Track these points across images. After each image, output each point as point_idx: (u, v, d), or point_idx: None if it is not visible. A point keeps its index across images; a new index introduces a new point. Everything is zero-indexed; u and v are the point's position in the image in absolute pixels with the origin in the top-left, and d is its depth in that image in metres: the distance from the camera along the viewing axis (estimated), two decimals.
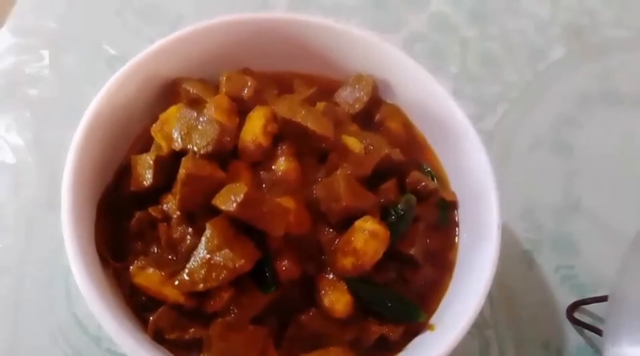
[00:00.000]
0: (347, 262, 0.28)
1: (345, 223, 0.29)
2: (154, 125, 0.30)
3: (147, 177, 0.28)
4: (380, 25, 0.50)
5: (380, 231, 0.28)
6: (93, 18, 0.46)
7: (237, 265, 0.25)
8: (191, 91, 0.33)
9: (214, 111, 0.29)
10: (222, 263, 0.25)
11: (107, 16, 0.46)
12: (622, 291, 0.27)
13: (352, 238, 0.28)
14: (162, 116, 0.30)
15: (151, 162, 0.28)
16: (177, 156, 0.28)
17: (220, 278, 0.25)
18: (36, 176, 0.40)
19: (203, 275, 0.26)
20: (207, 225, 0.26)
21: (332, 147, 0.31)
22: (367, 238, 0.28)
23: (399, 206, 0.30)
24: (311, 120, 0.30)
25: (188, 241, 0.27)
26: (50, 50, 0.44)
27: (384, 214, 0.30)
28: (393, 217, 0.30)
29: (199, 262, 0.26)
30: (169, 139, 0.29)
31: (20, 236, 0.37)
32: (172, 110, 0.30)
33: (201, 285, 0.26)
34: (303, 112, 0.30)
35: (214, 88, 0.33)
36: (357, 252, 0.28)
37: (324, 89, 0.37)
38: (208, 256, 0.26)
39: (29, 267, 0.37)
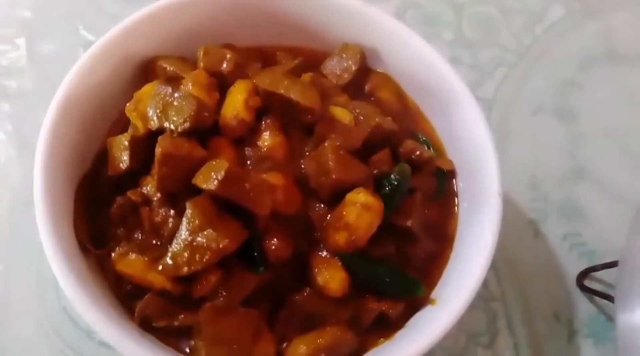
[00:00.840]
0: (339, 238, 0.26)
1: (336, 197, 0.27)
2: (127, 104, 0.28)
3: (124, 159, 0.27)
4: None
5: (373, 203, 0.26)
6: (68, 3, 0.44)
7: (221, 245, 0.24)
8: (168, 68, 0.31)
9: (191, 86, 0.28)
10: (205, 244, 0.24)
11: (83, 1, 0.45)
12: (632, 256, 0.26)
13: (344, 212, 0.27)
14: (137, 95, 0.28)
15: (126, 143, 0.27)
16: (154, 135, 0.27)
17: (205, 259, 0.24)
18: (19, 169, 0.38)
19: (186, 258, 0.24)
20: (187, 205, 0.25)
21: (320, 118, 0.29)
22: (359, 211, 0.26)
23: (392, 176, 0.28)
24: (295, 91, 0.28)
25: (170, 224, 0.26)
26: (26, 40, 0.43)
27: (377, 186, 0.28)
28: (387, 188, 0.28)
29: (182, 244, 0.24)
30: (145, 118, 0.27)
31: (6, 230, 0.36)
32: (147, 88, 0.28)
33: (185, 269, 0.24)
34: (286, 83, 0.28)
35: (193, 65, 0.32)
36: (350, 227, 0.26)
37: (310, 60, 0.35)
38: (190, 237, 0.24)
39: (16, 262, 0.35)
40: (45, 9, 0.44)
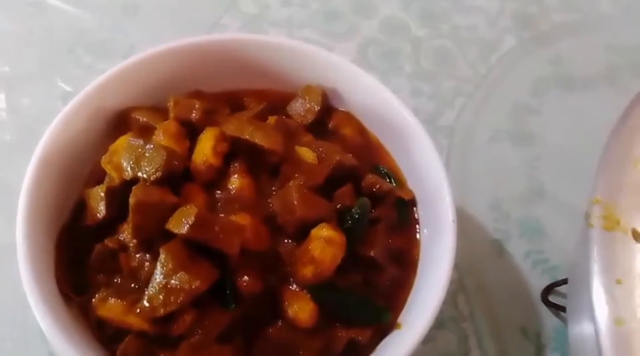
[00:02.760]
0: (307, 271, 0.28)
1: (302, 232, 0.29)
2: (103, 157, 0.30)
3: (100, 209, 0.29)
4: (333, 35, 0.51)
5: (335, 236, 0.28)
6: (46, 57, 0.47)
7: (193, 286, 0.25)
8: (141, 119, 0.33)
9: (162, 136, 0.30)
10: (178, 286, 0.26)
11: (59, 54, 0.47)
12: (578, 271, 0.28)
13: (310, 247, 0.28)
14: (111, 147, 0.30)
15: (102, 194, 0.29)
16: (128, 185, 0.29)
17: (179, 300, 0.26)
18: (1, 218, 0.40)
19: (162, 300, 0.26)
20: (161, 250, 0.26)
21: (284, 159, 0.31)
22: (323, 245, 0.28)
23: (353, 210, 0.30)
24: (259, 136, 0.30)
25: (147, 268, 0.28)
26: (6, 94, 0.45)
27: (340, 220, 0.30)
28: (349, 222, 0.30)
29: (157, 287, 0.26)
30: (119, 169, 0.29)
31: None
32: (121, 140, 0.30)
33: (162, 310, 0.26)
34: (250, 128, 0.31)
35: (165, 114, 0.34)
36: (316, 260, 0.28)
37: (276, 102, 0.37)
38: (164, 280, 0.26)
39: (1, 309, 0.36)
40: (24, 63, 0.46)
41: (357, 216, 0.30)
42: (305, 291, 0.28)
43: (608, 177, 0.24)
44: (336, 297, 0.29)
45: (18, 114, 0.44)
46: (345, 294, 0.29)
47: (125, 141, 0.30)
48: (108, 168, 0.30)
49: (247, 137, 0.30)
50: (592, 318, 0.22)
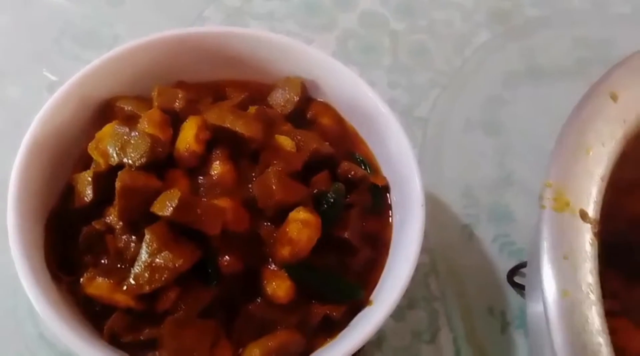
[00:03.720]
0: (284, 251, 0.30)
1: (281, 215, 0.31)
2: (90, 143, 0.31)
3: (88, 193, 0.30)
4: (313, 27, 0.52)
5: (311, 219, 0.30)
6: (31, 48, 0.47)
7: (176, 265, 0.27)
8: (126, 108, 0.35)
9: (147, 124, 0.31)
10: (163, 264, 0.27)
11: (45, 44, 0.48)
12: (535, 253, 0.30)
13: (287, 229, 0.30)
14: (98, 135, 0.32)
15: (90, 179, 0.30)
16: (114, 170, 0.30)
17: (163, 278, 0.27)
18: None
19: (147, 278, 0.27)
20: (146, 231, 0.28)
21: (263, 147, 0.33)
22: (300, 227, 0.30)
23: (328, 194, 0.32)
24: (240, 124, 0.32)
25: (132, 249, 0.29)
26: None
27: (316, 204, 0.32)
28: (325, 205, 0.32)
29: (142, 266, 0.28)
30: (106, 155, 0.30)
31: None
32: (107, 128, 0.32)
33: (147, 287, 0.28)
34: (231, 117, 0.32)
35: (149, 103, 0.35)
36: (293, 241, 0.30)
37: (257, 93, 0.39)
38: (149, 259, 0.27)
39: None
40: (10, 54, 0.47)
41: (332, 200, 0.32)
42: (282, 270, 0.30)
43: (560, 163, 0.26)
44: (312, 276, 0.31)
45: (4, 103, 0.45)
46: (320, 273, 0.31)
47: (111, 128, 0.32)
48: (95, 154, 0.31)
49: (228, 125, 0.31)
50: (542, 292, 0.24)
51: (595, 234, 0.25)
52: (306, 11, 0.53)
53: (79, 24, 0.49)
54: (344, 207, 0.33)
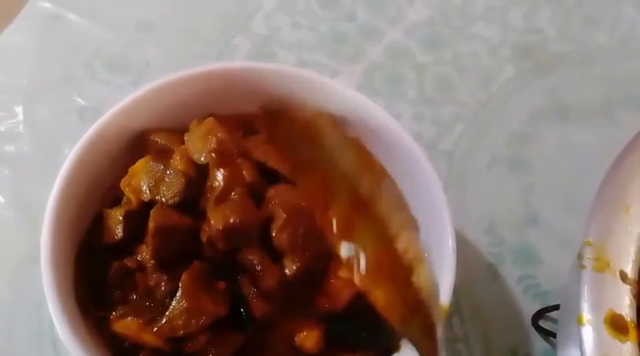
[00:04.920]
0: (323, 303, 0.30)
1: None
2: (123, 179, 0.32)
3: (118, 231, 0.30)
4: (340, 58, 0.53)
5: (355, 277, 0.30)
6: (63, 72, 0.48)
7: (214, 311, 0.27)
8: (159, 141, 0.35)
9: (179, 160, 0.32)
10: (200, 310, 0.27)
11: (76, 69, 0.48)
12: (569, 298, 0.30)
13: (330, 281, 0.30)
14: (131, 170, 0.32)
15: (121, 218, 0.30)
16: (146, 206, 0.30)
17: (200, 323, 0.27)
18: (17, 231, 0.41)
19: (183, 322, 0.27)
20: (183, 275, 0.28)
21: None
22: (342, 285, 0.30)
23: None
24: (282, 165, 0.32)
25: (163, 288, 0.29)
26: (23, 106, 0.46)
27: None
28: None
29: (178, 310, 0.28)
30: (138, 191, 0.31)
31: (5, 291, 0.39)
32: (140, 163, 0.32)
33: (181, 331, 0.27)
34: (275, 156, 0.33)
35: (182, 137, 0.35)
36: (332, 294, 0.30)
37: None
38: (186, 304, 0.27)
39: (15, 321, 0.38)
40: (42, 76, 0.48)
41: None
42: (313, 318, 0.30)
43: (600, 221, 0.26)
44: (343, 325, 0.31)
45: (35, 126, 0.45)
46: (352, 322, 0.31)
47: (144, 164, 0.32)
48: (127, 191, 0.31)
49: (272, 165, 0.32)
50: (582, 354, 0.23)
51: (634, 295, 0.25)
52: (333, 42, 0.53)
53: (110, 49, 0.50)
54: None
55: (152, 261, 0.29)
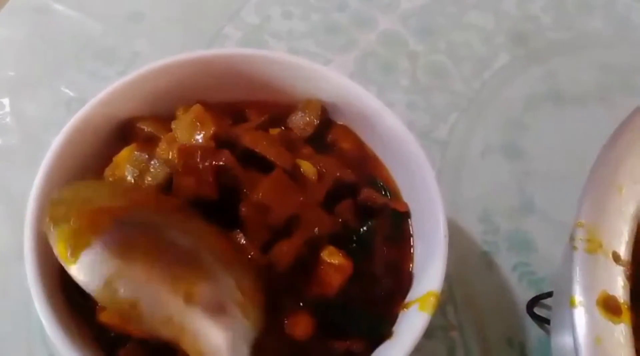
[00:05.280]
0: (313, 291, 0.30)
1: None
2: (106, 168, 0.31)
3: None
4: (332, 47, 0.52)
5: (344, 263, 0.30)
6: (50, 63, 0.47)
7: None
8: (145, 129, 0.34)
9: (165, 147, 0.31)
10: None
11: (64, 61, 0.48)
12: (562, 282, 0.29)
13: (319, 267, 0.30)
14: (115, 159, 0.31)
15: None
16: None
17: None
18: (4, 226, 0.41)
19: None
20: None
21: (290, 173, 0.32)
22: (332, 271, 0.29)
23: (360, 232, 0.32)
24: (272, 152, 0.32)
25: None
26: (10, 99, 0.45)
27: (345, 240, 0.31)
28: (354, 244, 0.31)
29: None
30: (122, 181, 0.30)
31: None
32: (124, 152, 0.31)
33: None
34: (264, 143, 0.32)
35: (168, 124, 0.35)
36: (324, 283, 0.29)
37: (276, 114, 0.38)
38: None
39: (3, 316, 0.37)
40: (29, 69, 0.47)
41: (363, 239, 0.31)
42: (302, 306, 0.29)
43: (592, 202, 0.25)
44: (335, 312, 0.30)
45: (22, 118, 0.45)
46: (343, 309, 0.30)
47: (128, 153, 0.31)
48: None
49: (260, 151, 0.31)
50: (574, 336, 0.23)
51: (627, 276, 0.24)
52: (325, 31, 0.53)
53: (99, 40, 0.49)
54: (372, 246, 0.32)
55: None
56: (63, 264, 0.24)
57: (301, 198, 0.30)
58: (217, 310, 0.24)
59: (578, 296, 0.23)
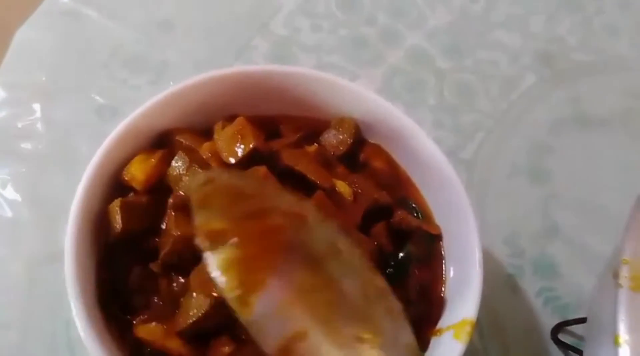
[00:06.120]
0: None
1: None
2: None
3: (117, 224, 0.30)
4: (359, 62, 0.52)
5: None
6: (81, 70, 0.47)
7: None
8: (184, 142, 0.35)
9: (208, 157, 0.32)
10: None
11: (94, 67, 0.48)
12: (599, 315, 0.29)
13: None
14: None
15: (117, 208, 0.30)
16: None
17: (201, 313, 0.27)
18: (34, 230, 0.41)
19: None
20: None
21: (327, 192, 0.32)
22: None
23: (399, 257, 0.32)
24: (311, 170, 0.32)
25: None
26: (41, 104, 0.45)
27: (381, 263, 0.31)
28: (391, 269, 0.32)
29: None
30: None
31: (21, 291, 0.38)
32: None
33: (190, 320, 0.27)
34: (305, 161, 0.32)
35: (204, 136, 0.35)
36: None
37: (309, 130, 0.38)
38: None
39: (31, 322, 0.37)
40: (60, 74, 0.47)
41: (401, 265, 0.31)
42: None
43: (637, 238, 0.25)
44: None
45: (52, 124, 0.45)
46: None
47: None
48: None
49: (300, 169, 0.31)
50: None
51: None
52: (353, 45, 0.53)
53: (129, 48, 0.49)
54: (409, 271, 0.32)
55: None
56: (235, 309, 0.19)
57: (339, 221, 0.30)
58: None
59: (623, 335, 0.23)
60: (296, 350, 0.18)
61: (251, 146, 0.32)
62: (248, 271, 0.18)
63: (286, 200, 0.24)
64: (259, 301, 0.18)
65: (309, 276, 0.20)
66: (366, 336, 0.20)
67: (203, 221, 0.21)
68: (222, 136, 0.32)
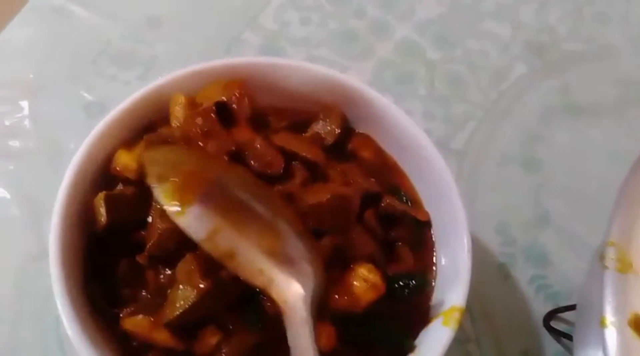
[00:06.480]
0: (340, 303, 0.29)
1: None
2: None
3: (102, 217, 0.30)
4: (349, 55, 0.52)
5: (379, 285, 0.30)
6: (69, 67, 0.47)
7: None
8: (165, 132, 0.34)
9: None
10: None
11: (82, 64, 0.48)
12: (588, 299, 0.29)
13: (351, 282, 0.30)
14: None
15: (102, 201, 0.30)
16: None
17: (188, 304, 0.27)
18: (23, 227, 0.40)
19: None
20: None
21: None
22: (366, 288, 0.29)
23: (413, 280, 0.32)
24: (304, 149, 0.32)
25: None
26: (29, 101, 0.45)
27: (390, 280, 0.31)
28: (399, 285, 0.32)
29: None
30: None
31: (9, 288, 0.38)
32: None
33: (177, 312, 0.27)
34: (294, 141, 0.32)
35: None
36: (354, 296, 0.29)
37: (297, 121, 0.38)
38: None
39: (20, 319, 0.37)
40: (48, 71, 0.47)
41: (410, 287, 0.32)
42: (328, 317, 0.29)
43: (623, 220, 0.25)
44: (359, 326, 0.30)
45: (40, 121, 0.45)
46: (366, 322, 0.30)
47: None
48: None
49: (293, 148, 0.32)
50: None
51: None
52: (342, 38, 0.53)
53: (117, 44, 0.49)
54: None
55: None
56: (171, 216, 0.27)
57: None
58: (293, 265, 0.27)
59: (609, 317, 0.23)
60: (215, 238, 0.26)
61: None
62: (181, 194, 0.27)
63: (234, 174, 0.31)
64: (189, 211, 0.27)
65: (228, 201, 0.28)
66: (273, 244, 0.28)
67: (153, 170, 0.29)
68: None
